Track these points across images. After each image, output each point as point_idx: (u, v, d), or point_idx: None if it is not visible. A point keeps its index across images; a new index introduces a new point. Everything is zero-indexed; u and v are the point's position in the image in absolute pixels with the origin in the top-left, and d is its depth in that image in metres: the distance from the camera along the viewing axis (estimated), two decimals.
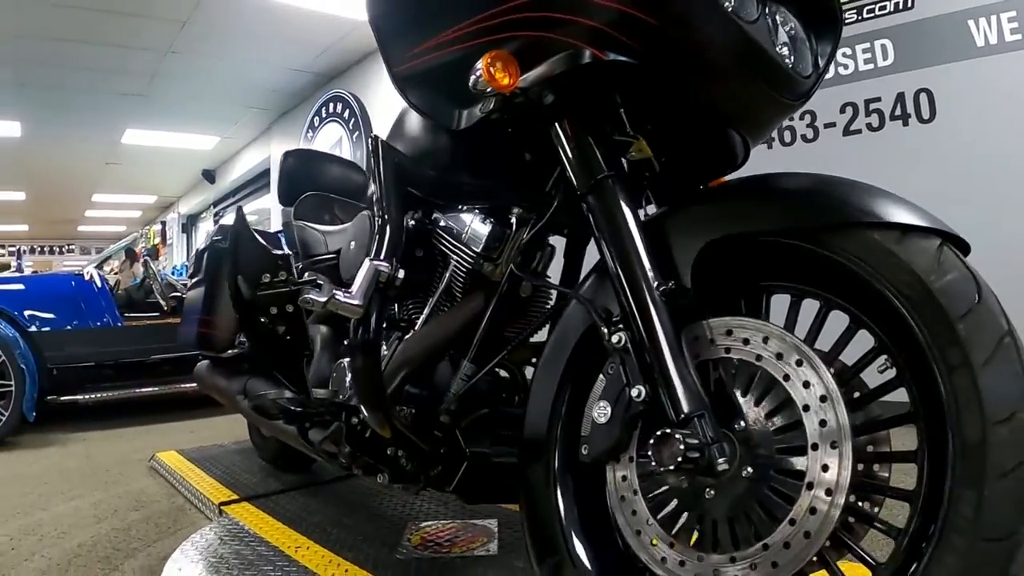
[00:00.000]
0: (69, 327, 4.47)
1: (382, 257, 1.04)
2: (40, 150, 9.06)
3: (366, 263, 1.01)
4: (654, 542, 0.92)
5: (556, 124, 1.05)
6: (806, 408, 0.83)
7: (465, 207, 1.31)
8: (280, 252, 1.43)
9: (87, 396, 4.44)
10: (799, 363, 0.84)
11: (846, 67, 3.18)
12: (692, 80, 0.97)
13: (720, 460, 0.85)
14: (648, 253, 0.95)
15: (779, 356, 0.86)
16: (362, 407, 1.14)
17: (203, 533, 1.94)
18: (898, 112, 3.10)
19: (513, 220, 1.24)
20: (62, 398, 4.36)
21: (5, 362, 3.81)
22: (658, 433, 0.84)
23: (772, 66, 0.97)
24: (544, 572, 1.04)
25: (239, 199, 10.74)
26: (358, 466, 1.32)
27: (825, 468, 0.80)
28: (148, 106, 7.87)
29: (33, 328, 4.25)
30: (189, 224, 13.96)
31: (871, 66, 3.16)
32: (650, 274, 0.93)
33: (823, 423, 0.81)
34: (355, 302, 0.99)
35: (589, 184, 1.01)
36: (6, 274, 7.01)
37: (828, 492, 0.79)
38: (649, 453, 0.86)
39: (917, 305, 0.78)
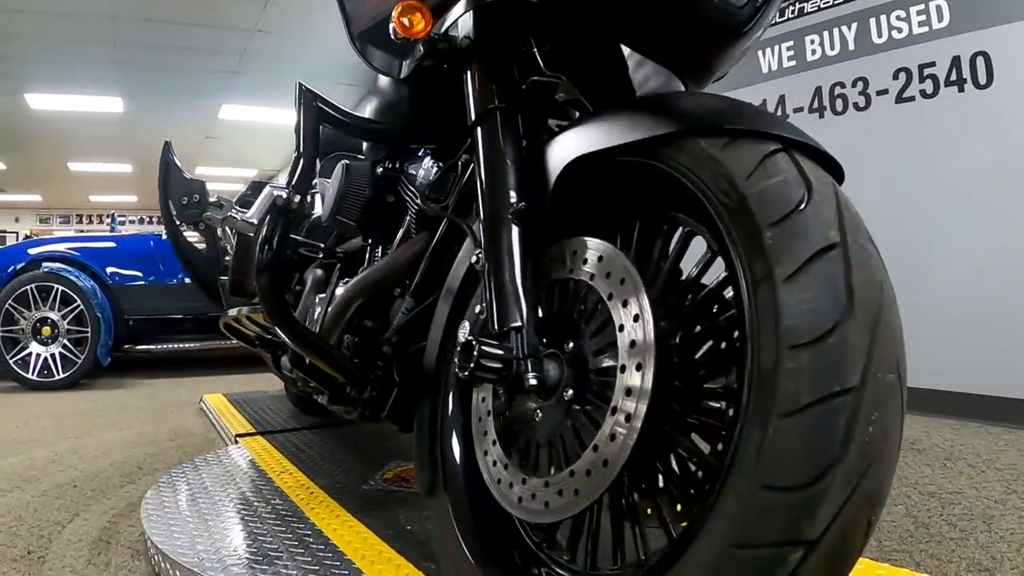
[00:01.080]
0: (145, 282, 4.86)
1: (290, 184, 1.12)
2: (142, 124, 9.75)
3: (266, 188, 1.10)
4: (495, 463, 0.93)
5: (467, 67, 1.09)
6: (621, 328, 0.78)
7: (427, 155, 1.38)
8: (194, 180, 1.57)
9: (160, 347, 4.82)
10: (622, 282, 0.80)
11: (899, 30, 3.01)
12: (593, 16, 0.97)
13: (529, 375, 0.83)
14: (516, 177, 0.96)
15: (608, 275, 0.83)
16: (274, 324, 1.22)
17: (208, 456, 2.12)
18: (953, 77, 2.91)
19: (460, 164, 1.27)
20: (137, 347, 4.77)
21: (83, 311, 4.19)
22: (461, 340, 0.86)
23: None
24: (421, 489, 1.08)
25: None
26: (306, 388, 1.41)
27: (628, 392, 0.75)
28: (241, 82, 8.34)
29: (112, 282, 4.66)
30: None
31: (925, 28, 2.97)
32: (511, 196, 0.94)
33: (632, 344, 0.76)
34: (251, 220, 1.08)
35: (477, 116, 1.04)
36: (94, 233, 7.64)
37: (627, 418, 0.74)
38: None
39: (732, 213, 0.70)
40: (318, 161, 1.19)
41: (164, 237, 5.10)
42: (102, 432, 2.85)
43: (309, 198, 1.54)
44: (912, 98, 3.00)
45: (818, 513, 0.58)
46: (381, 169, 1.47)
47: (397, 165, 1.47)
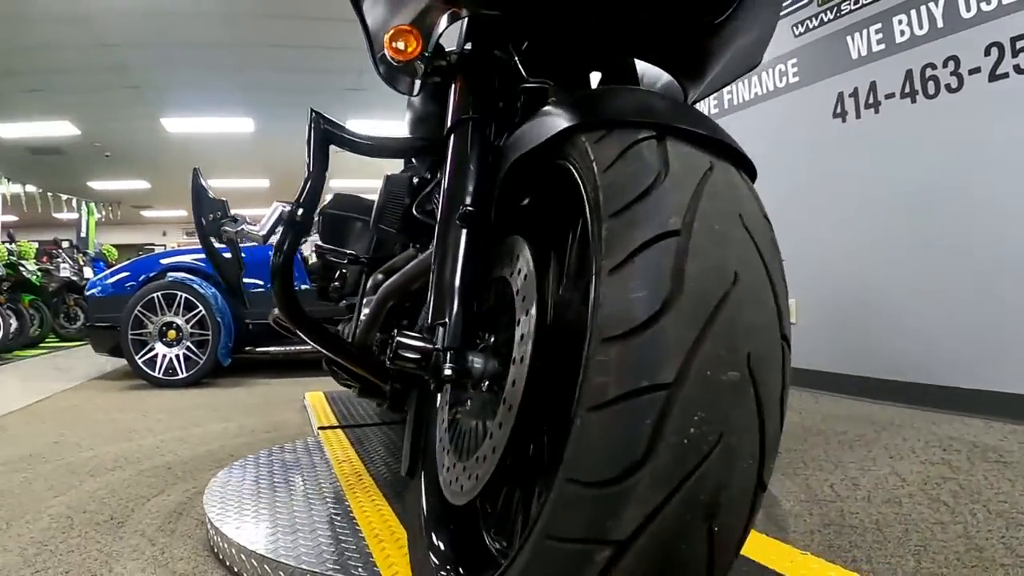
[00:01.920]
0: (264, 289, 5.27)
1: (297, 200, 1.21)
2: (273, 142, 10.59)
3: (275, 205, 1.21)
4: (443, 450, 1.00)
5: (452, 80, 1.15)
6: (518, 323, 0.82)
7: None
8: (217, 199, 1.74)
9: (278, 348, 5.20)
10: (525, 278, 0.86)
11: (988, 2, 2.73)
12: (556, 18, 1.01)
13: (446, 367, 0.85)
14: (475, 183, 1.01)
15: (521, 272, 0.87)
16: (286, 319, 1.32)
17: (286, 445, 2.29)
18: None
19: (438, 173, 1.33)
20: (257, 349, 5.18)
21: (205, 316, 4.62)
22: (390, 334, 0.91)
23: None
24: (404, 471, 1.16)
25: None
26: (340, 381, 1.51)
27: (513, 383, 0.78)
28: (361, 98, 8.79)
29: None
30: None
31: None
32: (466, 201, 0.99)
33: (521, 337, 0.80)
34: (258, 233, 1.19)
35: (451, 126, 1.09)
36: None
37: (510, 408, 0.77)
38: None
39: (591, 206, 0.69)
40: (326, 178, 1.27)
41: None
42: (209, 424, 3.14)
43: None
44: (1006, 75, 2.71)
45: (623, 514, 0.55)
46: (417, 179, 1.56)
47: (430, 175, 1.55)
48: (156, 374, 4.49)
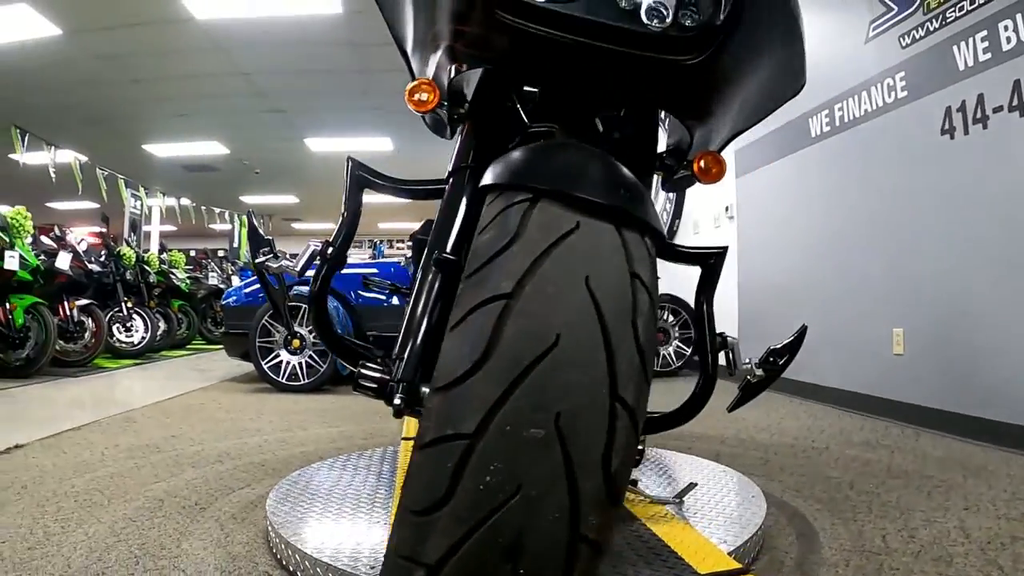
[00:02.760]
0: (385, 303, 5.60)
1: (328, 241, 1.31)
2: (411, 160, 11.17)
3: (309, 242, 1.35)
4: None
5: (462, 127, 1.23)
6: None
7: None
8: (265, 237, 1.93)
9: None
10: None
11: None
12: (545, 71, 1.08)
13: (396, 398, 0.94)
14: (459, 229, 1.08)
15: None
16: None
17: (365, 452, 2.45)
18: None
19: None
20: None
21: None
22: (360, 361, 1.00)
23: (608, 31, 0.95)
24: None
25: None
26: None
27: None
28: None
29: (356, 303, 5.48)
30: None
31: None
32: (447, 244, 1.07)
33: None
34: (294, 267, 1.34)
35: (450, 172, 1.18)
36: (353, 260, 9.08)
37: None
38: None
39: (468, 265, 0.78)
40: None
41: (402, 264, 5.92)
42: (313, 428, 3.39)
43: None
44: None
45: (429, 542, 0.62)
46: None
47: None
48: (280, 379, 4.89)
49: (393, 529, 0.69)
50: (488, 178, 0.87)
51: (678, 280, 6.24)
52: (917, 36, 3.22)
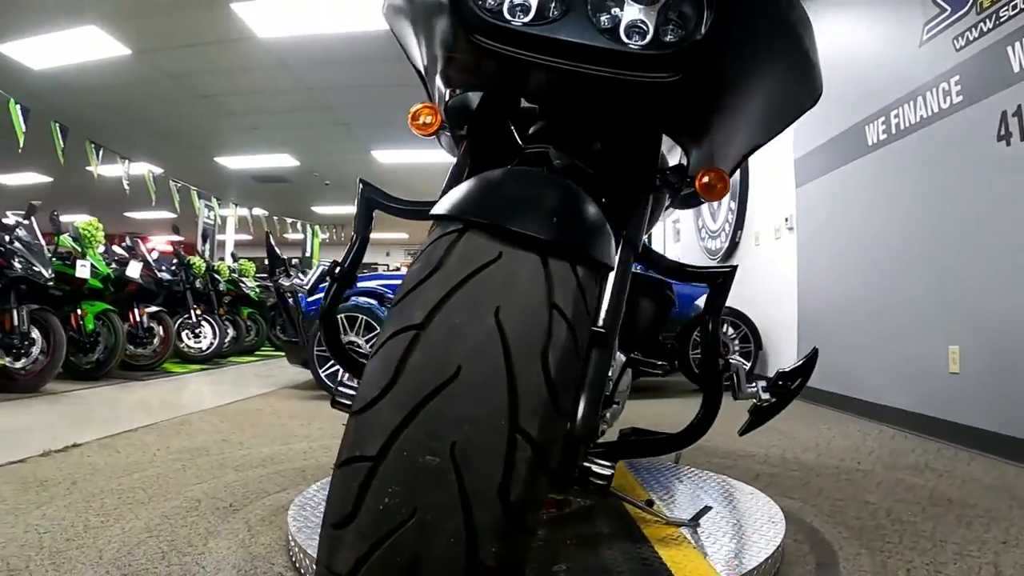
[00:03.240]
0: None
1: (337, 261, 1.36)
2: None
3: (317, 263, 1.43)
4: None
5: (461, 147, 1.28)
6: None
7: None
8: (281, 257, 2.01)
9: None
10: None
11: None
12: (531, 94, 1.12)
13: None
14: None
15: None
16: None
17: None
18: None
19: None
20: None
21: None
22: None
23: (587, 52, 0.97)
24: None
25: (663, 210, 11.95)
26: None
27: None
28: None
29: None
30: None
31: None
32: None
33: None
34: (303, 285, 1.40)
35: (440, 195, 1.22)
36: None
37: None
38: None
39: None
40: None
41: None
42: None
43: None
44: None
45: (340, 554, 0.66)
46: None
47: None
48: (336, 387, 5.04)
49: (319, 540, 0.73)
50: (435, 207, 0.91)
51: (733, 293, 6.14)
52: (971, 37, 3.10)
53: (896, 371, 3.68)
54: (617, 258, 1.07)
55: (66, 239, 5.60)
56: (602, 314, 0.99)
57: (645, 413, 4.01)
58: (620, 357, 1.65)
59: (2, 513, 1.90)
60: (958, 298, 3.18)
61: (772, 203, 5.68)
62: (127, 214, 15.64)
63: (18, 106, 7.06)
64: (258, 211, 14.94)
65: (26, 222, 4.67)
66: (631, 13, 0.98)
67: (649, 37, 0.97)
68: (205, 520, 1.87)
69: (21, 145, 7.15)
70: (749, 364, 5.55)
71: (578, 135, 1.19)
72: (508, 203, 0.86)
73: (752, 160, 6.24)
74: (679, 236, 9.93)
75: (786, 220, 5.30)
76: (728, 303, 5.31)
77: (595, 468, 0.91)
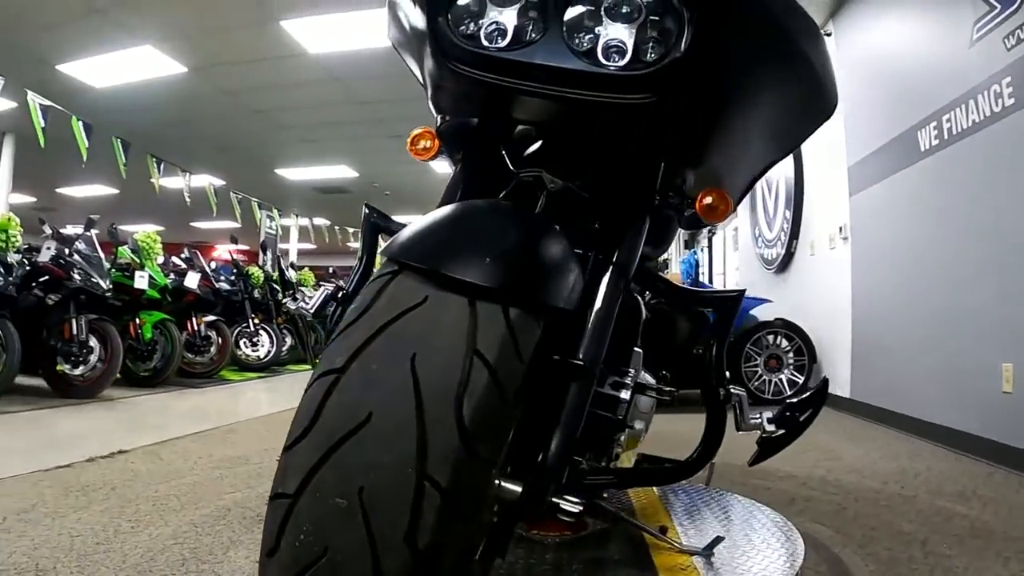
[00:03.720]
0: None
1: (342, 286, 1.40)
2: None
3: (322, 286, 1.47)
4: None
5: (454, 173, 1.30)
6: None
7: None
8: (291, 281, 2.08)
9: None
10: None
11: None
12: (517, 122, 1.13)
13: None
14: None
15: None
16: None
17: None
18: None
19: None
20: None
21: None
22: None
23: (564, 75, 0.97)
24: None
25: None
26: None
27: None
28: None
29: None
30: (691, 241, 15.38)
31: None
32: None
33: None
34: (307, 308, 1.45)
35: None
36: None
37: None
38: None
39: None
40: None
41: None
42: None
43: None
44: None
45: None
46: None
47: None
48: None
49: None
50: (384, 246, 0.93)
51: (787, 304, 6.01)
52: (1022, 36, 2.95)
53: (948, 388, 3.52)
54: (604, 285, 1.06)
55: (125, 251, 5.87)
56: (583, 346, 0.98)
57: (680, 429, 3.95)
58: (647, 378, 1.64)
59: (41, 516, 2.01)
60: (1013, 313, 3.03)
61: (827, 212, 5.53)
62: (193, 224, 16.28)
63: (80, 123, 7.45)
64: (320, 221, 15.33)
65: (86, 234, 4.91)
66: (610, 32, 0.97)
67: (628, 57, 0.96)
68: (230, 529, 1.93)
69: (84, 160, 7.55)
70: (803, 378, 5.41)
71: (571, 158, 1.18)
72: (444, 244, 0.86)
73: (807, 167, 6.11)
74: (737, 244, 9.76)
75: (840, 230, 5.15)
76: (782, 315, 5.20)
77: (563, 504, 0.90)
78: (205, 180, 10.66)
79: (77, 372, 4.60)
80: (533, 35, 0.99)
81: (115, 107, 7.83)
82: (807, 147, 6.18)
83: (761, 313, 5.74)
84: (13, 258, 4.51)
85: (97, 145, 7.73)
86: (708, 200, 1.18)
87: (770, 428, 1.36)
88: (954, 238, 3.54)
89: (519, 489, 0.87)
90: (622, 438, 1.56)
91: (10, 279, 4.35)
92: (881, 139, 4.35)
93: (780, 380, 5.46)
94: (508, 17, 1.00)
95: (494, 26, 1.00)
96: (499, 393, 0.73)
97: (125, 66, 6.84)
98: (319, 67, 6.91)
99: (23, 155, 9.11)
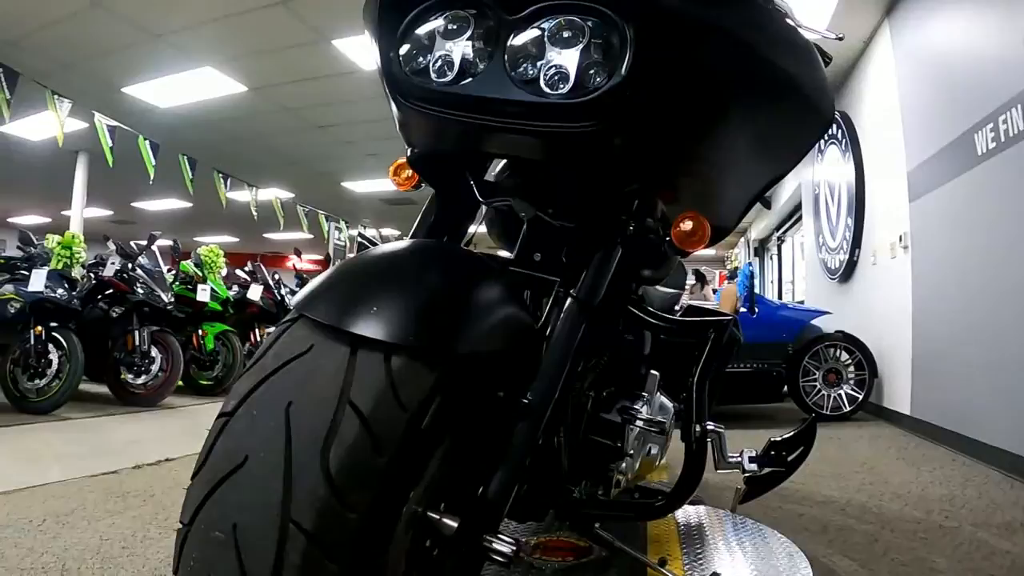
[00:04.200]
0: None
1: None
2: None
3: None
4: None
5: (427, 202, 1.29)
6: None
7: None
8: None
9: None
10: None
11: None
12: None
13: None
14: None
15: None
16: None
17: None
18: None
19: None
20: None
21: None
22: None
23: (507, 106, 0.96)
24: None
25: (791, 226, 11.38)
26: None
27: None
28: None
29: None
30: (761, 248, 14.91)
31: None
32: None
33: None
34: None
35: None
36: None
37: None
38: None
39: None
40: None
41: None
42: None
43: None
44: None
45: None
46: None
47: None
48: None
49: None
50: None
51: (850, 316, 5.75)
52: None
53: (1013, 409, 3.29)
54: (561, 319, 1.04)
55: (188, 265, 6.13)
56: (535, 382, 0.96)
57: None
58: (664, 402, 1.59)
59: (78, 519, 2.13)
60: None
61: (888, 219, 5.27)
62: (265, 235, 16.86)
63: (147, 142, 7.83)
64: (388, 231, 15.65)
65: (150, 249, 5.15)
66: (552, 59, 0.94)
67: (570, 84, 0.93)
68: None
69: (152, 177, 7.93)
70: (863, 393, 5.18)
71: (540, 186, 1.16)
72: (334, 294, 0.85)
73: (868, 172, 5.85)
74: (803, 252, 9.43)
75: (900, 238, 4.90)
76: (842, 327, 4.98)
77: (495, 544, 0.88)
78: (272, 193, 11.02)
79: (139, 381, 4.83)
80: (479, 67, 0.98)
81: (180, 125, 8.19)
82: (867, 150, 5.95)
83: (825, 324, 5.57)
84: (78, 272, 4.77)
85: (165, 162, 8.11)
86: (685, 226, 1.12)
87: (751, 467, 1.30)
88: (1013, 246, 3.31)
89: (455, 524, 0.87)
90: (623, 466, 1.48)
91: (74, 293, 4.62)
92: (938, 143, 4.12)
93: (839, 395, 5.23)
94: (457, 49, 0.99)
95: (442, 60, 1.00)
96: (372, 443, 0.72)
97: (187, 87, 7.15)
98: (373, 84, 7.00)
99: (97, 172, 9.58)
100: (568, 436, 1.29)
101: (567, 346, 1.02)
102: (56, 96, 6.63)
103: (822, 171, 7.39)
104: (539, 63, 0.95)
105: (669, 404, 1.60)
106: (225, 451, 0.74)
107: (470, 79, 0.98)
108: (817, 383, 5.27)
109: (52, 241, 6.97)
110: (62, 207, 10.68)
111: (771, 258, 14.00)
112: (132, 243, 5.13)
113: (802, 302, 8.87)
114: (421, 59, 1.01)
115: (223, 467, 0.73)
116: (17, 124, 8.13)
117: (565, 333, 1.03)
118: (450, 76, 0.99)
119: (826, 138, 6.88)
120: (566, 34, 0.93)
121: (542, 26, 0.95)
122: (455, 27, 0.99)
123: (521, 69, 0.95)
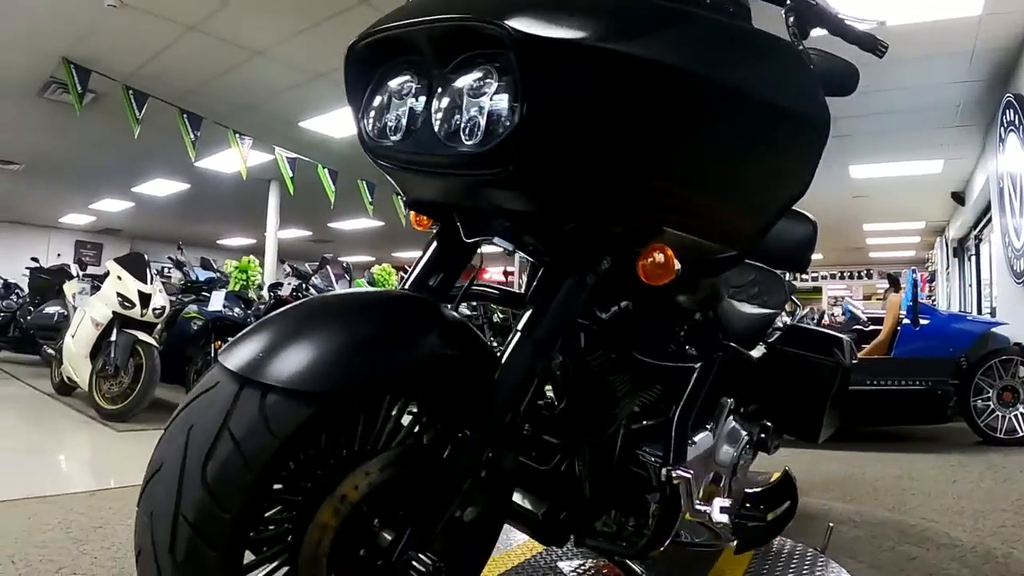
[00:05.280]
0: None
1: None
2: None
3: None
4: None
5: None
6: None
7: None
8: None
9: None
10: None
11: None
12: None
13: None
14: None
15: None
16: None
17: None
18: None
19: None
20: None
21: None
22: None
23: (436, 160, 1.05)
24: None
25: (987, 223, 10.01)
26: None
27: None
28: (858, 144, 8.44)
29: None
30: (960, 248, 13.32)
31: None
32: None
33: None
34: None
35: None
36: None
37: None
38: None
39: None
40: None
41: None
42: None
43: None
44: None
45: None
46: None
47: None
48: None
49: None
50: None
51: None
52: None
53: None
54: (507, 353, 1.08)
55: (362, 282, 6.72)
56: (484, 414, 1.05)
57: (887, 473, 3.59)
58: (737, 429, 1.57)
59: (98, 526, 2.29)
60: None
61: None
62: None
63: (326, 170, 8.56)
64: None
65: (323, 270, 5.75)
66: (469, 110, 1.00)
67: (480, 134, 0.98)
68: None
69: (332, 202, 8.68)
70: None
71: (513, 225, 1.17)
72: (244, 340, 1.00)
73: None
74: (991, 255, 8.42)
75: None
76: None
77: (414, 563, 1.00)
78: None
79: None
80: (417, 123, 1.07)
81: (357, 153, 8.74)
82: None
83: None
84: (254, 294, 5.42)
85: (345, 187, 8.82)
86: (654, 258, 1.07)
87: (721, 519, 1.26)
88: None
89: (389, 538, 1.02)
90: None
91: (249, 311, 5.18)
92: None
93: (1016, 416, 4.69)
94: (404, 109, 1.10)
95: (395, 120, 1.11)
96: (243, 462, 0.90)
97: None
98: None
99: (287, 198, 10.34)
100: (592, 465, 1.32)
101: (517, 380, 1.09)
102: (238, 135, 7.48)
103: (1004, 162, 6.57)
104: (458, 116, 1.01)
105: (743, 431, 1.57)
106: (157, 457, 0.96)
107: (409, 137, 1.08)
108: (991, 402, 4.75)
109: (230, 266, 7.90)
110: (262, 230, 11.90)
111: (969, 259, 12.50)
112: (306, 264, 5.73)
113: (993, 310, 7.94)
114: (378, 121, 1.16)
115: (153, 467, 0.95)
116: (210, 159, 9.08)
117: (514, 367, 1.08)
118: (398, 136, 1.10)
119: (1005, 125, 6.14)
120: (479, 84, 0.99)
121: (463, 77, 1.01)
122: (404, 88, 1.11)
123: (447, 124, 1.03)
